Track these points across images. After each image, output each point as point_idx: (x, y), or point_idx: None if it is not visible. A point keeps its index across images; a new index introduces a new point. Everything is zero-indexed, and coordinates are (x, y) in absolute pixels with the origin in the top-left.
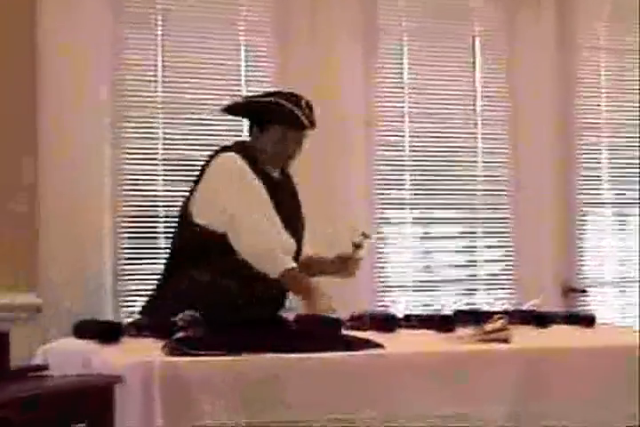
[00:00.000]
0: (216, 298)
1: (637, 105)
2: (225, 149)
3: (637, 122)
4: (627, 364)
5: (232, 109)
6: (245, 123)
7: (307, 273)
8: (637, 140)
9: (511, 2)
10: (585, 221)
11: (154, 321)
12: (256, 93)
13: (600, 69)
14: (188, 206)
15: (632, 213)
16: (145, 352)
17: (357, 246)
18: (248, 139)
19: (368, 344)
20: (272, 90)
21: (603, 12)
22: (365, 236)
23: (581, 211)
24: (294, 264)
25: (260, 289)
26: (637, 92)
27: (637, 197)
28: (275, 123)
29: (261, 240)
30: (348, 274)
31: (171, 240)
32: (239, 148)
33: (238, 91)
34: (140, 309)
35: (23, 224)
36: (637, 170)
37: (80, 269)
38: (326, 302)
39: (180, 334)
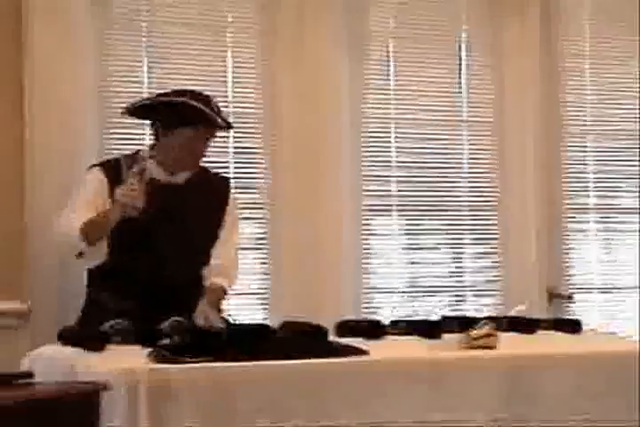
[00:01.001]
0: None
1: (624, 111)
2: (96, 164)
3: (622, 128)
4: (615, 370)
5: (136, 111)
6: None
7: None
8: (623, 146)
9: (497, 7)
10: (571, 227)
11: (140, 328)
12: (157, 93)
13: (585, 75)
14: None
15: (617, 220)
16: (131, 359)
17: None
18: (148, 144)
19: (353, 351)
20: (176, 88)
21: (588, 16)
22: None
23: (567, 217)
24: (77, 224)
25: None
26: (623, 97)
27: (621, 203)
28: (185, 124)
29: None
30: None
31: None
32: (109, 163)
33: (225, 93)
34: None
35: (9, 231)
36: (623, 176)
37: (67, 275)
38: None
39: (166, 341)
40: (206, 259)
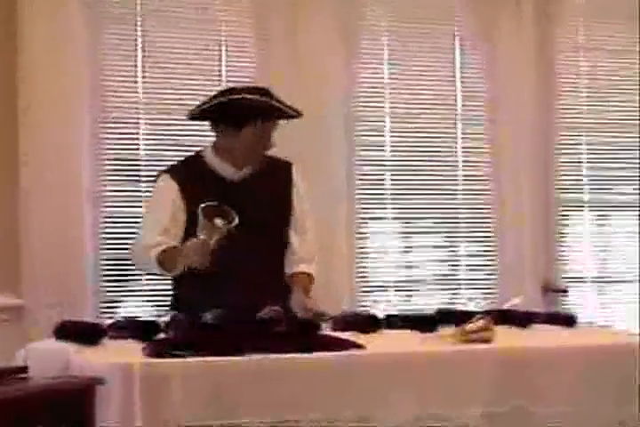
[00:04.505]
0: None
1: (618, 106)
2: (164, 171)
3: (618, 121)
4: (610, 364)
5: (200, 114)
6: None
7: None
8: (617, 140)
9: (491, 1)
10: (565, 221)
11: (135, 322)
12: (212, 94)
13: (580, 69)
14: None
15: (611, 213)
16: (126, 354)
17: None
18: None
19: (348, 345)
20: (227, 87)
21: (583, 6)
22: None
23: (561, 211)
24: (157, 250)
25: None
26: (620, 89)
27: (616, 196)
28: (254, 119)
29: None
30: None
31: None
32: (176, 168)
33: (218, 79)
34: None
35: (4, 225)
36: (616, 171)
37: (62, 268)
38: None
39: (161, 336)
40: (283, 248)
